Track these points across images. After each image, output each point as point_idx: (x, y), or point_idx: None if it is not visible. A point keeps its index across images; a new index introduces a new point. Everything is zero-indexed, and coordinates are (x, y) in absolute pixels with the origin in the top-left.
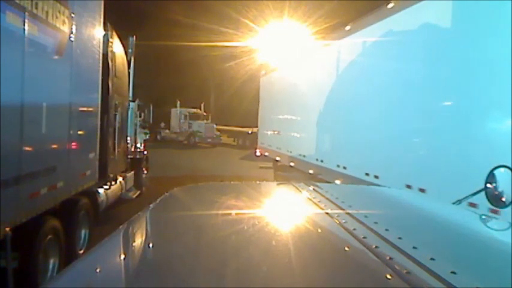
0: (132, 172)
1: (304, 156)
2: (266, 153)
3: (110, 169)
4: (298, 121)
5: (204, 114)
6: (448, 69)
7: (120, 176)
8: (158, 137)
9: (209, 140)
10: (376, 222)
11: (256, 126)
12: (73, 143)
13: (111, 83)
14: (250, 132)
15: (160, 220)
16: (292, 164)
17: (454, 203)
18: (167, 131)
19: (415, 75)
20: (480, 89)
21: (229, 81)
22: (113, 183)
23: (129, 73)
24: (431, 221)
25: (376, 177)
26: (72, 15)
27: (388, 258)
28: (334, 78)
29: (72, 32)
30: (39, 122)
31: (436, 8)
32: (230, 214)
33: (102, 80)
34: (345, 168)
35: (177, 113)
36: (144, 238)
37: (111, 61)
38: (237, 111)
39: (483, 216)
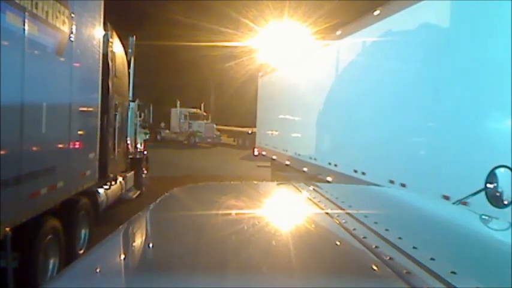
0: (132, 172)
1: (299, 154)
2: (264, 153)
3: (110, 169)
4: (294, 121)
5: (204, 114)
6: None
7: (120, 176)
8: (158, 137)
9: (209, 140)
10: (376, 222)
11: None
12: (73, 143)
13: (111, 83)
14: (250, 132)
15: (160, 220)
16: (288, 162)
17: (454, 203)
18: (167, 131)
19: (412, 75)
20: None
21: (229, 81)
22: (113, 183)
23: (129, 73)
24: (431, 221)
25: (363, 173)
26: (72, 15)
27: (388, 258)
28: (326, 81)
29: (72, 32)
30: (39, 122)
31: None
32: (230, 214)
33: (102, 80)
34: (335, 165)
35: (177, 113)
36: (144, 238)
37: (111, 61)
38: (237, 111)
39: (483, 216)
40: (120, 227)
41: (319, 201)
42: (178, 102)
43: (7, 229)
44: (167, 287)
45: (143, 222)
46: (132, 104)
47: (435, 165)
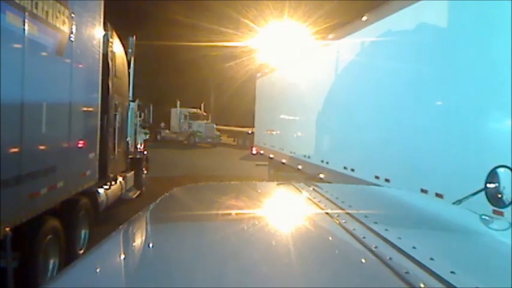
0: (132, 172)
1: (294, 153)
2: (261, 152)
3: (110, 169)
4: (289, 121)
5: (204, 114)
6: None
7: (120, 176)
8: (158, 137)
9: (209, 140)
10: (375, 222)
11: None
12: (73, 143)
13: (111, 83)
14: (250, 132)
15: (160, 220)
16: (284, 160)
17: (454, 203)
18: (167, 131)
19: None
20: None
21: (229, 81)
22: (113, 183)
23: (129, 73)
24: (431, 221)
25: (352, 170)
26: (72, 15)
27: (387, 258)
28: (319, 83)
29: (72, 32)
30: (39, 122)
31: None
32: (230, 214)
33: (102, 80)
34: (327, 163)
35: (177, 113)
36: (144, 238)
37: (111, 61)
38: (237, 111)
39: (483, 216)
40: (120, 227)
41: (319, 201)
42: (178, 102)
43: (7, 229)
44: (167, 287)
45: (143, 222)
46: (132, 104)
47: (432, 165)
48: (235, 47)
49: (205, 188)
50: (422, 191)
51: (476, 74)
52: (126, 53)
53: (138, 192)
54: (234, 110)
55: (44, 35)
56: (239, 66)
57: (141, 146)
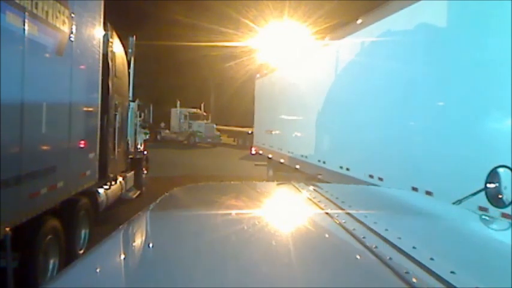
0: (132, 172)
1: (292, 153)
2: (260, 152)
3: (110, 169)
4: (287, 121)
5: (204, 114)
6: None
7: (120, 176)
8: (158, 137)
9: (209, 140)
10: (375, 222)
11: None
12: (73, 143)
13: (111, 83)
14: (250, 132)
15: (160, 220)
16: (282, 160)
17: (454, 203)
18: (167, 131)
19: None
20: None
21: (229, 81)
22: (113, 183)
23: (129, 73)
24: (431, 221)
25: (347, 169)
26: (72, 15)
27: (387, 258)
28: (315, 84)
29: (72, 32)
30: (39, 122)
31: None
32: (230, 214)
33: (102, 80)
34: (324, 162)
35: (177, 113)
36: (144, 238)
37: (111, 61)
38: (237, 111)
39: (483, 216)
40: (120, 227)
41: (319, 201)
42: (178, 102)
43: (7, 229)
44: (167, 287)
45: (143, 222)
46: (132, 104)
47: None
48: (235, 47)
49: (205, 188)
50: (413, 189)
51: (475, 73)
52: (126, 53)
53: (138, 192)
54: (234, 110)
55: (44, 35)
56: (239, 66)
57: (141, 146)
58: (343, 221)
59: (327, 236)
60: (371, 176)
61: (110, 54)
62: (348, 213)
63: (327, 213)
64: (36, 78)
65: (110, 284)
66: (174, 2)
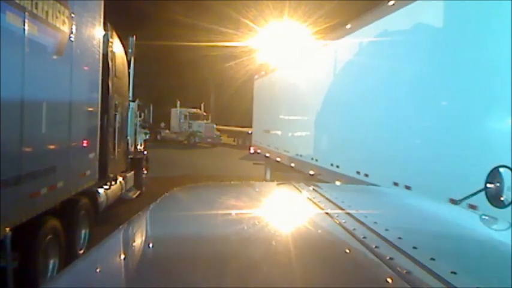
0: (132, 172)
1: (287, 152)
2: (259, 151)
3: (110, 169)
4: (282, 121)
5: (204, 114)
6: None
7: (120, 176)
8: (158, 137)
9: (209, 140)
10: (376, 222)
11: None
12: (73, 143)
13: (111, 83)
14: (250, 132)
15: (160, 220)
16: (278, 159)
17: (454, 203)
18: (167, 131)
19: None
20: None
21: (229, 81)
22: (113, 183)
23: (129, 73)
24: (431, 221)
25: (337, 166)
26: (72, 15)
27: (388, 258)
28: (310, 84)
29: (72, 32)
30: (39, 122)
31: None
32: (230, 214)
33: (102, 80)
34: (316, 160)
35: (177, 113)
36: (144, 238)
37: (111, 61)
38: (237, 111)
39: (483, 216)
40: (120, 227)
41: (319, 201)
42: (178, 102)
43: (7, 229)
44: (167, 287)
45: (143, 222)
46: (132, 104)
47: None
48: (235, 47)
49: (205, 188)
50: (406, 187)
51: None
52: (126, 53)
53: (138, 192)
54: (234, 110)
55: (44, 35)
56: (239, 66)
57: (141, 146)
58: (343, 221)
59: (327, 236)
60: (358, 172)
61: (110, 54)
62: (348, 213)
63: (327, 213)
64: (36, 78)
65: (110, 284)
66: (174, 2)
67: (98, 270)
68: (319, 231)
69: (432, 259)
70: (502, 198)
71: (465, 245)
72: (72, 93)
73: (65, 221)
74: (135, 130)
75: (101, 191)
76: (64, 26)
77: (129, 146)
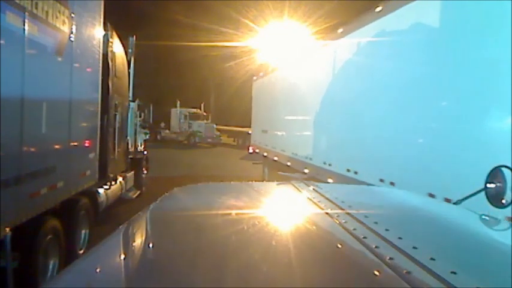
0: (132, 172)
1: (283, 151)
2: (257, 150)
3: (110, 169)
4: (279, 121)
5: (204, 114)
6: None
7: (120, 176)
8: (158, 137)
9: (209, 140)
10: (376, 222)
11: None
12: (73, 143)
13: (111, 83)
14: (250, 132)
15: (160, 220)
16: (275, 158)
17: (454, 203)
18: (167, 131)
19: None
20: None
21: (229, 81)
22: (113, 183)
23: (129, 73)
24: (431, 221)
25: (329, 164)
26: (72, 15)
27: (388, 258)
28: (306, 85)
29: (72, 32)
30: (39, 122)
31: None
32: (230, 214)
33: (102, 80)
34: (311, 159)
35: (177, 113)
36: (144, 238)
37: (111, 61)
38: (237, 111)
39: (483, 216)
40: (120, 227)
41: (319, 201)
42: (178, 102)
43: (7, 229)
44: (167, 287)
45: (143, 222)
46: (132, 104)
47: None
48: (235, 47)
49: (205, 188)
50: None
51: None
52: (126, 53)
53: (138, 192)
54: (234, 110)
55: (44, 35)
56: (239, 66)
57: (141, 146)
58: (343, 221)
59: (327, 236)
60: (348, 170)
61: (110, 54)
62: (348, 213)
63: (327, 213)
64: (36, 78)
65: (110, 284)
66: (174, 2)
67: (98, 270)
68: (319, 231)
69: (432, 259)
70: (502, 198)
71: (465, 245)
72: (72, 93)
73: (65, 221)
74: (135, 130)
75: (101, 191)
76: (64, 26)
77: (129, 146)
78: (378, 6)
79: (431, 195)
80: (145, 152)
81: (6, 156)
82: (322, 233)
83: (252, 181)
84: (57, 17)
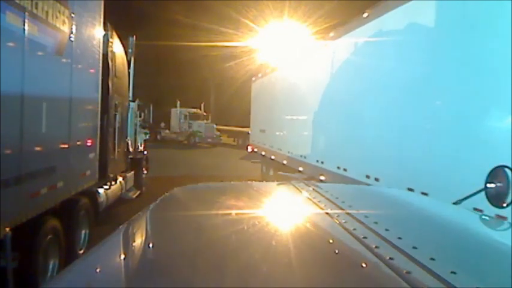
0: (132, 172)
1: (280, 150)
2: (255, 150)
3: (110, 169)
4: (275, 121)
5: (204, 114)
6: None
7: (120, 176)
8: (158, 137)
9: (209, 140)
10: (376, 222)
11: None
12: (73, 143)
13: (111, 83)
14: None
15: (160, 220)
16: (273, 157)
17: (454, 203)
18: (167, 131)
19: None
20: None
21: (229, 81)
22: (113, 183)
23: (129, 73)
24: (431, 221)
25: (322, 162)
26: (72, 15)
27: (388, 258)
28: (302, 85)
29: (72, 32)
30: (39, 122)
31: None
32: (230, 214)
33: (102, 80)
34: (305, 158)
35: (177, 113)
36: (144, 238)
37: (111, 61)
38: (237, 111)
39: (483, 216)
40: (120, 227)
41: (319, 201)
42: (178, 102)
43: (7, 229)
44: (167, 287)
45: (143, 222)
46: (132, 104)
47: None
48: (235, 47)
49: (205, 188)
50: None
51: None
52: (126, 53)
53: (138, 192)
54: (234, 110)
55: (44, 35)
56: (239, 66)
57: (141, 146)
58: (343, 221)
59: (327, 236)
60: (338, 167)
61: (110, 54)
62: (348, 213)
63: (327, 213)
64: (36, 78)
65: (110, 284)
66: (174, 2)
67: (98, 270)
68: (319, 231)
69: (432, 259)
70: (502, 199)
71: (465, 245)
72: (72, 93)
73: (65, 221)
74: (135, 130)
75: (101, 191)
76: (64, 26)
77: (129, 146)
78: (376, 6)
79: (424, 193)
80: (145, 152)
81: (7, 156)
82: (322, 233)
83: (251, 180)
84: (57, 17)
